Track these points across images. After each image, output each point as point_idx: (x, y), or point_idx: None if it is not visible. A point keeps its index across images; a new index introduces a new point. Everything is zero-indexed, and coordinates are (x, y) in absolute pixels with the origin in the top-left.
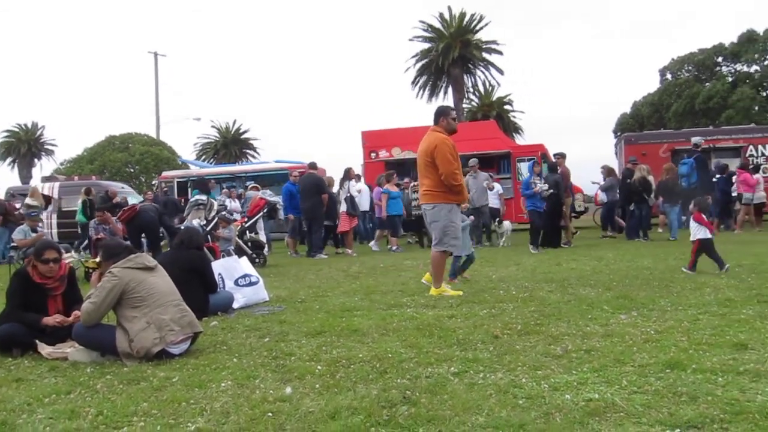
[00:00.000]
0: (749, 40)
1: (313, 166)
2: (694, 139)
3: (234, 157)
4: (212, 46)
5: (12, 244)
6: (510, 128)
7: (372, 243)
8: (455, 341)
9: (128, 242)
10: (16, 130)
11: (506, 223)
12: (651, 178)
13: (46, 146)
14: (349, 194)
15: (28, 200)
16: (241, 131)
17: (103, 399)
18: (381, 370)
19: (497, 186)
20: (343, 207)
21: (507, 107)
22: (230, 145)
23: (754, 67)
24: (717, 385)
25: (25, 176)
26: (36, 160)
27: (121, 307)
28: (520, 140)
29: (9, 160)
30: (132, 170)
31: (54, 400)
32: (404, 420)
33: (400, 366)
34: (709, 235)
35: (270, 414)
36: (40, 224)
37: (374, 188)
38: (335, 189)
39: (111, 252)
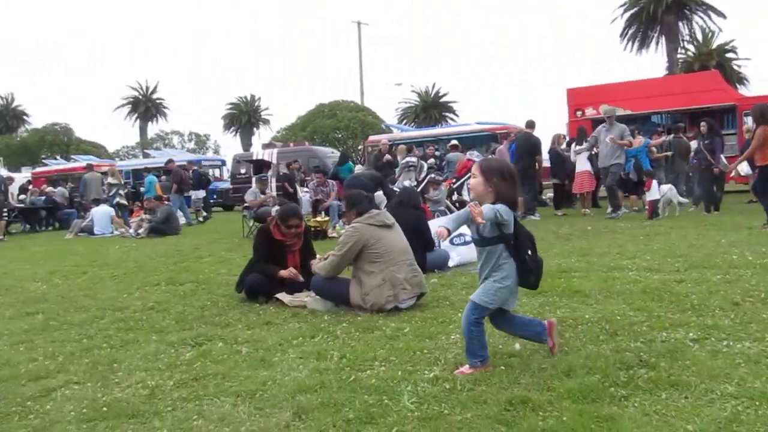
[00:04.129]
0: None
1: (530, 125)
2: None
3: (434, 121)
4: (411, 12)
5: (245, 204)
6: (733, 78)
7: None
8: (689, 306)
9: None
10: (238, 102)
11: (663, 188)
12: None
13: (263, 116)
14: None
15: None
16: (440, 94)
17: (344, 344)
18: (611, 332)
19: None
20: (586, 165)
21: (730, 55)
22: (430, 108)
23: None
24: None
25: (246, 144)
26: (255, 129)
27: (360, 261)
28: (745, 92)
29: (232, 129)
30: (339, 136)
31: (301, 343)
32: (644, 383)
33: (631, 329)
34: None
35: (503, 367)
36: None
37: None
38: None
39: (353, 201)
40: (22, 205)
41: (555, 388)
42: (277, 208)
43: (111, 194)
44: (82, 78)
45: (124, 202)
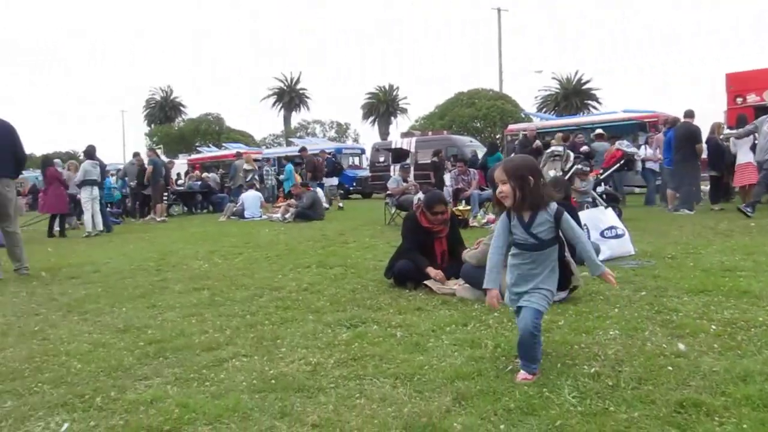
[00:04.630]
0: None
1: (689, 114)
2: None
3: (575, 109)
4: None
5: (387, 192)
6: None
7: None
8: None
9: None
10: (376, 92)
11: None
12: None
13: (401, 105)
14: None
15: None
16: (582, 82)
17: (497, 333)
18: None
19: None
20: (749, 157)
21: None
22: (571, 96)
23: None
24: None
25: (384, 133)
26: (392, 118)
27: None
28: None
29: (370, 119)
30: (478, 124)
31: (453, 330)
32: None
33: None
34: None
35: (669, 368)
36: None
37: None
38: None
39: None
40: (181, 189)
41: (730, 394)
42: (419, 195)
43: (248, 180)
44: (234, 70)
45: (257, 186)
